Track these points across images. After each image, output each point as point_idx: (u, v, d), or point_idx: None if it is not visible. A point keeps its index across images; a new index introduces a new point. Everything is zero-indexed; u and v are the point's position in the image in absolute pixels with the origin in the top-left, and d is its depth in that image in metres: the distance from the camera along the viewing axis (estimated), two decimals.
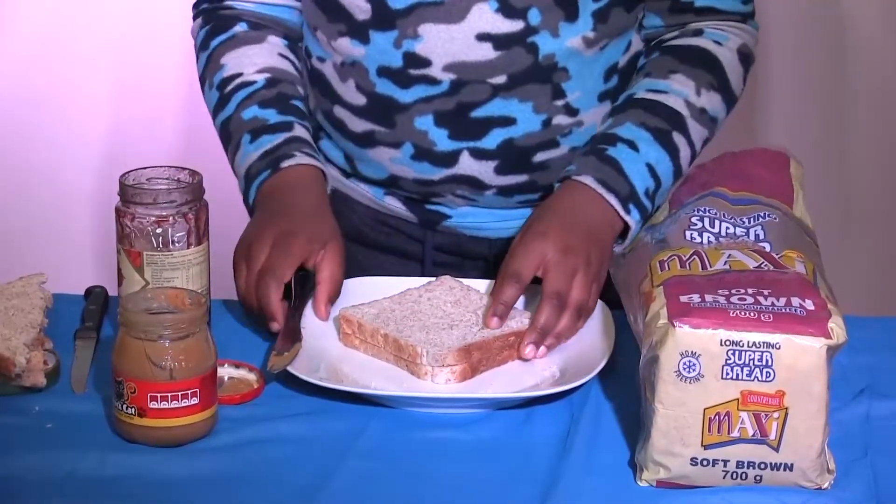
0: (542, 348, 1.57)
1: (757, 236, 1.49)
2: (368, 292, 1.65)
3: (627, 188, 1.67)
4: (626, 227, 1.67)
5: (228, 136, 1.76)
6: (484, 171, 1.76)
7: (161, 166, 1.62)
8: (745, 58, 1.78)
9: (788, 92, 2.83)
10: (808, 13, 2.78)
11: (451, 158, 1.75)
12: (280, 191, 1.69)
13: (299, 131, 1.74)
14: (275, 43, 1.80)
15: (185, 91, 2.92)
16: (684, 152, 1.72)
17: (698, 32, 1.77)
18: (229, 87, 1.76)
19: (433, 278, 1.68)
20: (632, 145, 1.69)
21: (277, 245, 1.61)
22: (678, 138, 1.71)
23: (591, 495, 1.36)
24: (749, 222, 1.51)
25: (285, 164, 1.70)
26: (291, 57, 1.81)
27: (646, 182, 1.69)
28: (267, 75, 1.76)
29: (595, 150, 1.70)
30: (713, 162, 1.66)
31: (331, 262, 1.62)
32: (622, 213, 1.66)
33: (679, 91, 1.73)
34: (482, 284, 1.67)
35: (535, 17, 1.69)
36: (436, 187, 1.77)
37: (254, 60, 1.77)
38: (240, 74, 1.76)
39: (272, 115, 1.74)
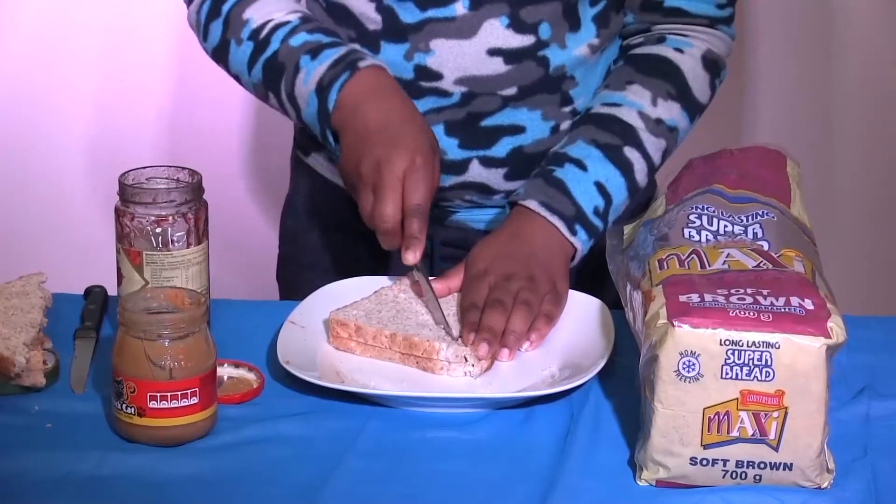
0: (505, 350, 1.56)
1: (755, 234, 1.49)
2: (340, 294, 1.65)
3: (573, 209, 1.67)
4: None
5: (279, 67, 1.70)
6: (493, 178, 1.76)
7: (160, 166, 1.62)
8: (711, 64, 1.76)
9: (782, 92, 2.82)
10: (799, 12, 2.78)
11: (461, 167, 1.76)
12: (371, 98, 1.65)
13: (354, 46, 1.72)
14: None
15: (186, 91, 2.92)
16: (639, 166, 1.72)
17: (661, 40, 1.76)
18: (265, 32, 1.71)
19: (395, 278, 1.68)
20: (580, 164, 1.70)
21: (409, 172, 1.59)
22: (631, 153, 1.71)
23: (590, 495, 1.36)
24: (747, 220, 1.51)
25: (362, 64, 1.66)
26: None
27: (594, 201, 1.69)
28: (298, 14, 1.73)
29: (543, 171, 1.71)
30: (711, 156, 1.65)
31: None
32: (567, 234, 1.66)
33: (633, 103, 1.72)
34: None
35: (545, 31, 1.70)
36: (445, 193, 1.77)
37: (278, 7, 1.73)
38: (271, 20, 1.72)
39: (323, 38, 1.70)
